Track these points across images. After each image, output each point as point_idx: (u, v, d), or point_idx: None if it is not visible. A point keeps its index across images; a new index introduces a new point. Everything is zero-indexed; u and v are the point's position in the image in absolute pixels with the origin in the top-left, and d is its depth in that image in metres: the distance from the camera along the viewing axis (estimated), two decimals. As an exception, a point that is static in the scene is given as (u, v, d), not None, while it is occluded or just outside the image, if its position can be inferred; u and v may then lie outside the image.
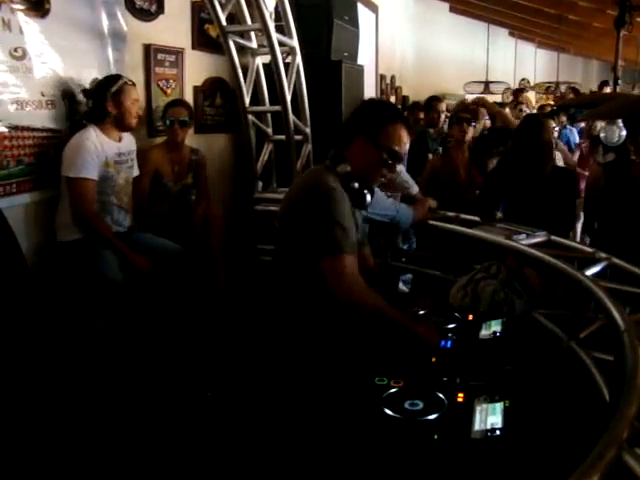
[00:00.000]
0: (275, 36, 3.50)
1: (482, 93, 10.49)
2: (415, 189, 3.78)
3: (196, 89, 4.48)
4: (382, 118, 2.11)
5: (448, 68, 10.65)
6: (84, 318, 3.03)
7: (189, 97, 4.36)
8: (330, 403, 1.68)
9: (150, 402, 2.62)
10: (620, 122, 3.02)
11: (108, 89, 3.14)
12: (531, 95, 11.98)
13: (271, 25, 3.48)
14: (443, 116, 5.55)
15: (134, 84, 3.29)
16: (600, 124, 3.29)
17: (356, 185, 2.08)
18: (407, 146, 2.16)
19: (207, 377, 2.59)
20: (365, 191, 2.12)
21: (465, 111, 5.03)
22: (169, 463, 2.18)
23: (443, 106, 5.56)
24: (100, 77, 3.32)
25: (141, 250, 3.20)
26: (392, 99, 9.32)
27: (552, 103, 9.37)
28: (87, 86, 3.29)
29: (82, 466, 2.23)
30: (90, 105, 3.20)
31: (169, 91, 4.13)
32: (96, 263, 3.05)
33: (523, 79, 12.40)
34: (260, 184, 4.28)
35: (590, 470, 1.00)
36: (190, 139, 3.98)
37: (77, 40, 3.36)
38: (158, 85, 4.05)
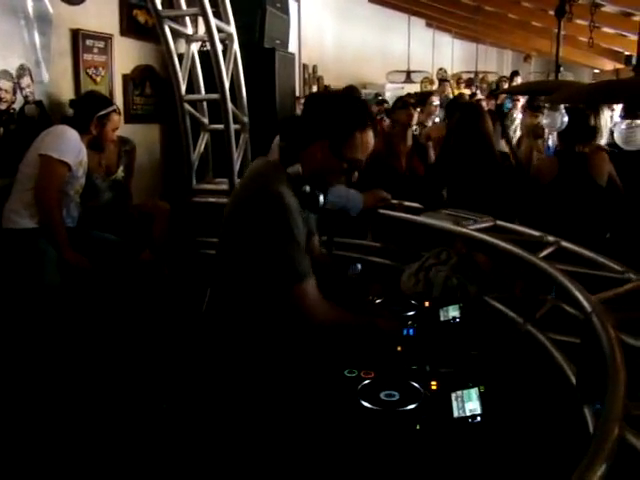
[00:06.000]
0: (214, 22, 3.39)
1: (404, 82, 10.67)
2: None
3: (125, 77, 4.31)
4: (350, 126, 1.87)
5: (369, 58, 10.72)
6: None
7: (118, 86, 4.19)
8: (304, 399, 1.64)
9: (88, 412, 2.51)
10: (562, 108, 3.08)
11: (97, 111, 3.24)
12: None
13: (209, 10, 3.36)
14: None
15: (120, 112, 3.50)
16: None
17: (307, 189, 1.92)
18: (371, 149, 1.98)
19: (159, 385, 2.50)
20: (318, 193, 1.95)
21: (410, 96, 4.99)
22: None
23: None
24: (26, 63, 3.17)
25: (98, 245, 3.25)
26: (314, 88, 9.32)
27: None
28: (13, 72, 3.15)
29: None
30: (73, 115, 3.28)
31: (98, 79, 3.94)
32: (36, 258, 2.99)
33: (440, 69, 12.67)
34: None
35: (597, 453, 1.00)
36: (120, 129, 3.81)
37: (-1, 22, 3.14)
38: (87, 73, 3.85)
